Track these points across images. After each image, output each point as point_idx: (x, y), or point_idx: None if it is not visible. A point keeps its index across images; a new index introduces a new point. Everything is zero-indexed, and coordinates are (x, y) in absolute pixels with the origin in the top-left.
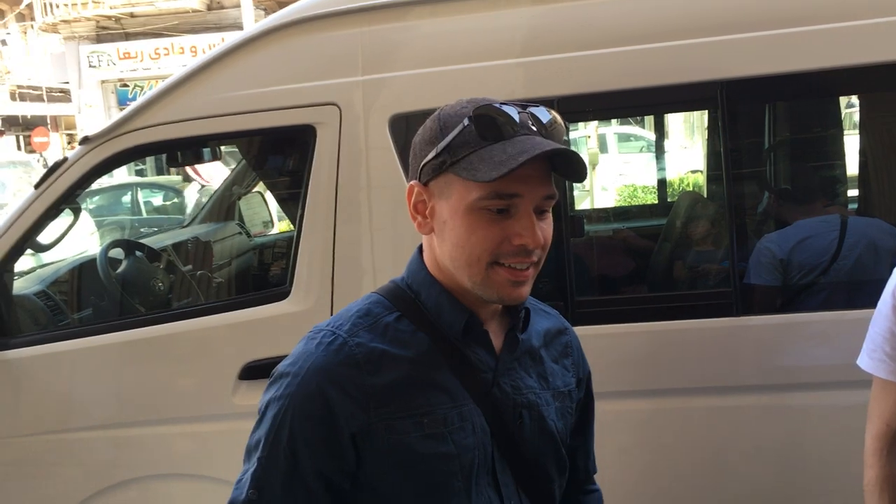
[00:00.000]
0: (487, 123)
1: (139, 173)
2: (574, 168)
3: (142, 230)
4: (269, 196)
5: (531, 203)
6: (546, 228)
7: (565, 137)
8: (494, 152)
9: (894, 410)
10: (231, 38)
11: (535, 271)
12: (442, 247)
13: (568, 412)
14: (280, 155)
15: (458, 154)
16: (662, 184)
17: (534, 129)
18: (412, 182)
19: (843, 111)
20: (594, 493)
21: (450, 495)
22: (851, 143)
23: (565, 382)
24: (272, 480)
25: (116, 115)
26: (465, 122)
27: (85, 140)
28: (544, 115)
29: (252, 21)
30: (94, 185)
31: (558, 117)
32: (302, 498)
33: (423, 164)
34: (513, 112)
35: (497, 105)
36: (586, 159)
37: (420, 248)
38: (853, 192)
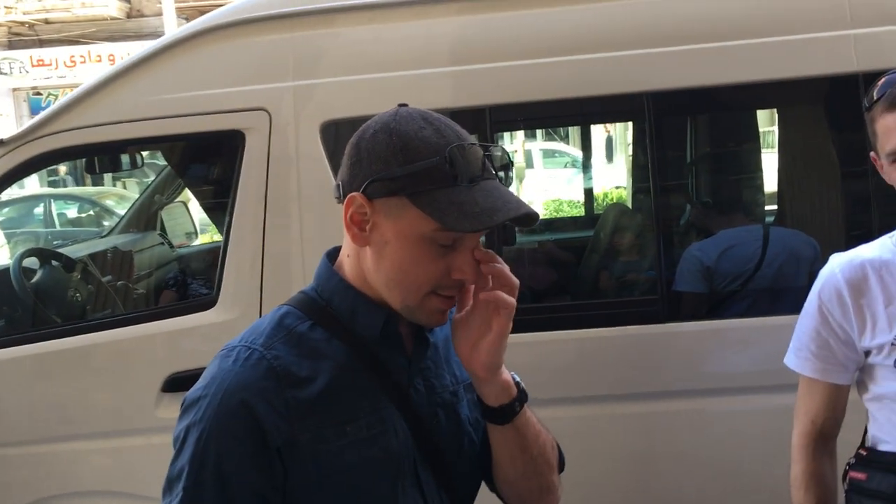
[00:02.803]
0: (462, 166)
1: (52, 184)
2: (529, 223)
3: (55, 243)
4: (192, 207)
5: (474, 239)
6: None
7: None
8: (464, 199)
9: (819, 408)
10: (151, 45)
11: None
12: (378, 264)
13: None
14: (207, 161)
15: (420, 186)
16: (589, 197)
17: (492, 172)
18: (354, 193)
19: (768, 125)
20: None
21: (377, 500)
22: (775, 156)
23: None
24: None
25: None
26: (437, 159)
27: None
28: (498, 155)
29: (173, 30)
30: (5, 196)
31: (507, 156)
32: None
33: (373, 179)
34: (480, 154)
35: (469, 145)
36: (513, 173)
37: (327, 256)
38: (775, 205)
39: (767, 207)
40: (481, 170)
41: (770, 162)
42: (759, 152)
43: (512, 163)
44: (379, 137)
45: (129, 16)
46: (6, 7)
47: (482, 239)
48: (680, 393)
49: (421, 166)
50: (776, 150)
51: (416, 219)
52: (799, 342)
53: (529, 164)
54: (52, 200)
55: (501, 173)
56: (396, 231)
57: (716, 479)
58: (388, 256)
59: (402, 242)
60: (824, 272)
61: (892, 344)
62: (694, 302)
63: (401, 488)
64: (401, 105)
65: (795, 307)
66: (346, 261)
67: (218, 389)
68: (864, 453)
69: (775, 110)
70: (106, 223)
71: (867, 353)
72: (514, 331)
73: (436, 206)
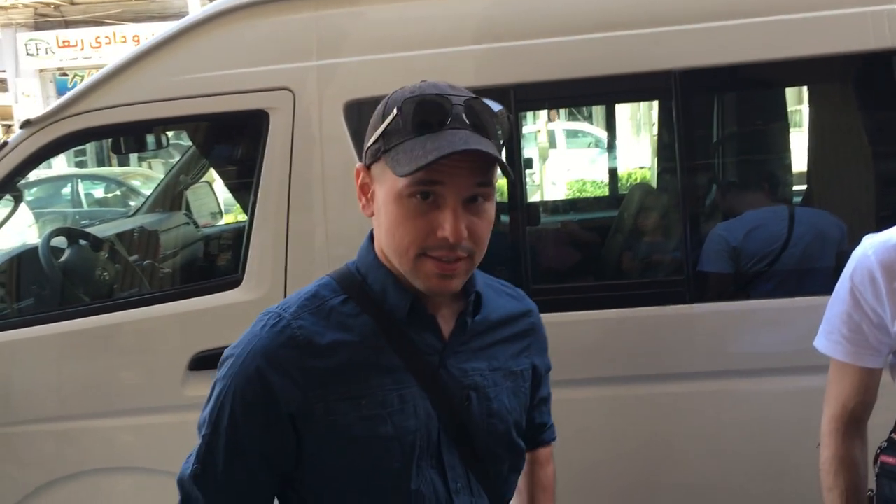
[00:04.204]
0: (415, 115)
1: (79, 164)
2: (488, 162)
3: (82, 222)
4: (217, 186)
5: (458, 193)
6: (477, 222)
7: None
8: (416, 146)
9: (851, 392)
10: (175, 25)
11: (466, 265)
12: (379, 231)
13: (522, 392)
14: (231, 141)
15: (390, 143)
16: (613, 176)
17: (467, 121)
18: (358, 164)
19: (796, 103)
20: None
21: (389, 476)
22: (803, 136)
23: (520, 363)
24: (215, 457)
25: (55, 103)
26: (395, 111)
27: (26, 124)
28: (484, 106)
29: (198, 10)
30: (33, 176)
31: (501, 111)
32: (242, 474)
33: (366, 147)
34: (445, 104)
35: (431, 95)
36: (536, 153)
37: (371, 233)
38: (802, 185)
39: (795, 188)
40: (445, 119)
41: (798, 141)
42: (788, 131)
43: (502, 117)
44: (378, 108)
45: None
46: None
47: (505, 219)
48: (705, 374)
49: (386, 123)
50: (804, 129)
51: (392, 177)
52: (830, 325)
53: (553, 144)
54: (79, 180)
55: (499, 129)
56: (384, 194)
57: (740, 460)
58: (382, 222)
59: (388, 204)
60: (857, 254)
61: None
62: (720, 282)
63: (416, 467)
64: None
65: (822, 288)
66: (374, 239)
67: (242, 352)
68: None
69: (805, 88)
70: (132, 203)
71: None
72: (543, 311)
73: (395, 158)
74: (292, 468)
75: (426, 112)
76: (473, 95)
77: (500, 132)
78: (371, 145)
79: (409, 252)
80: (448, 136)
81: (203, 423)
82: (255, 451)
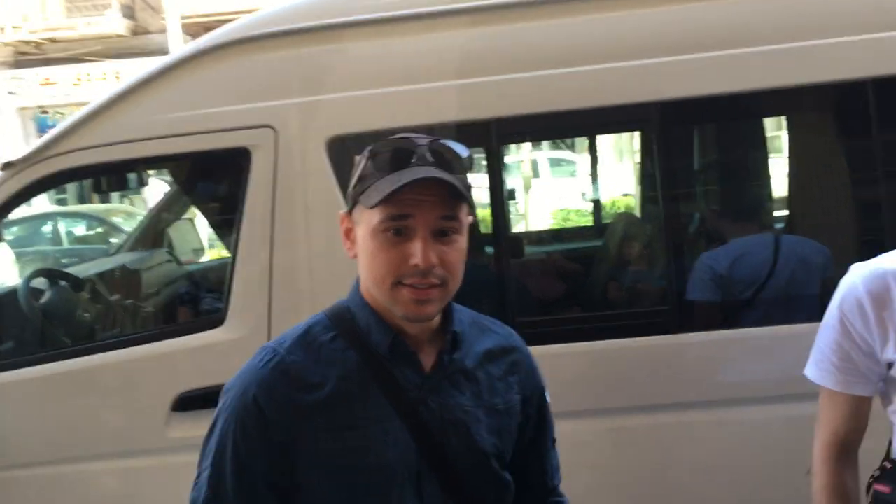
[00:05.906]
0: (382, 157)
1: (60, 202)
2: (456, 194)
3: (63, 261)
4: (199, 223)
5: (426, 225)
6: (448, 251)
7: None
8: (385, 182)
9: (842, 420)
10: (156, 64)
11: (441, 292)
12: (361, 269)
13: (505, 429)
14: (214, 179)
15: (364, 185)
16: (596, 206)
17: (431, 159)
18: (341, 212)
19: (775, 132)
20: None
21: (372, 502)
22: (785, 164)
23: (505, 400)
24: (224, 484)
25: (36, 142)
26: (366, 156)
27: (7, 165)
28: (447, 147)
29: (178, 47)
30: (13, 215)
31: (468, 157)
32: (250, 496)
33: (347, 194)
34: (410, 145)
35: (397, 138)
36: (521, 183)
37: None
38: (785, 212)
39: (777, 214)
40: (410, 158)
41: (779, 169)
42: (768, 160)
43: (465, 157)
44: (356, 160)
45: (134, 33)
46: (13, 27)
47: (489, 250)
48: (692, 404)
49: (360, 171)
50: (785, 156)
51: (367, 216)
52: (820, 354)
53: (536, 173)
54: (59, 218)
55: (461, 164)
56: (362, 234)
57: (731, 490)
58: (362, 259)
59: (366, 240)
60: (845, 283)
61: None
62: (706, 311)
63: (396, 497)
64: None
65: (808, 315)
66: (360, 275)
67: (241, 384)
68: (889, 466)
69: (784, 118)
70: (113, 240)
71: (889, 365)
72: (528, 344)
73: (367, 195)
74: (291, 490)
75: (393, 153)
76: (439, 139)
77: (464, 173)
78: (350, 192)
79: (385, 281)
80: (413, 171)
81: (210, 451)
82: (259, 476)
